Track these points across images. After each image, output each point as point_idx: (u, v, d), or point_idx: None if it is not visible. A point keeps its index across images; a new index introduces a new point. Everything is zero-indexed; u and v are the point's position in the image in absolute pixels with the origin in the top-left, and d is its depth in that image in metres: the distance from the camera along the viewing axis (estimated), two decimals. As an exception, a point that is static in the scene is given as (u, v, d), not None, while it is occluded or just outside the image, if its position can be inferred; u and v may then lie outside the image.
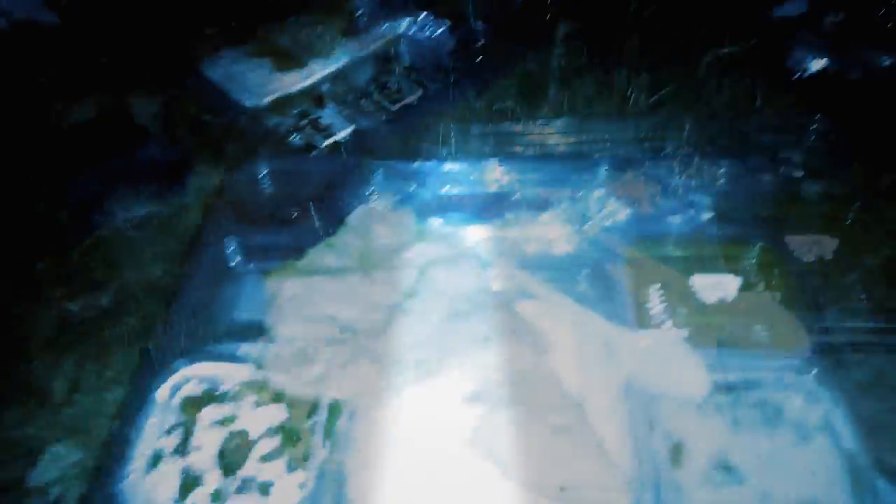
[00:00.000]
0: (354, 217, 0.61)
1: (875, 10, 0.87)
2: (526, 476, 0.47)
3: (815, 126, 0.77)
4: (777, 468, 0.49)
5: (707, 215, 0.66)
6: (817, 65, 0.84)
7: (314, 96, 0.86)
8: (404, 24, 0.94)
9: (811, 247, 0.64)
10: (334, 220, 0.62)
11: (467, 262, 0.58)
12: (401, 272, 0.57)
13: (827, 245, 0.64)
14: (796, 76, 0.85)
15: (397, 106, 0.81)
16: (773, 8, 0.90)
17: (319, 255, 0.58)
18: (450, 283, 0.56)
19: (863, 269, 0.63)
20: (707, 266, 0.61)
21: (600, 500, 0.45)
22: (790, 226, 0.66)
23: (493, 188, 0.70)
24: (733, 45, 0.87)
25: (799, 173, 0.71)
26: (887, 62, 0.84)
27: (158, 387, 0.53)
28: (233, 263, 0.64)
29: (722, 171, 0.69)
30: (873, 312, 0.61)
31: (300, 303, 0.54)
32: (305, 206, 0.67)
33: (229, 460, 0.50)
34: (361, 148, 0.78)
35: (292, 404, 0.52)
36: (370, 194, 0.68)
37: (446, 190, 0.70)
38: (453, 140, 0.77)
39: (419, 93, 0.83)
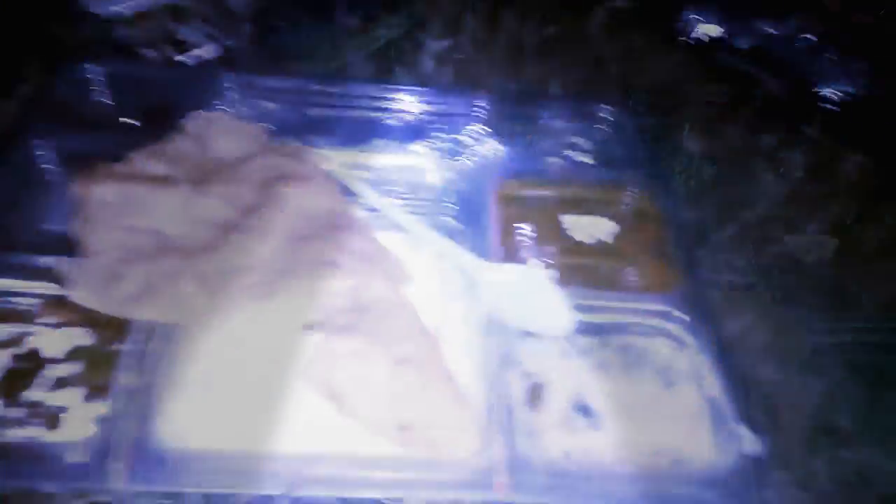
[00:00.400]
0: (194, 124, 0.53)
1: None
2: (363, 411, 0.41)
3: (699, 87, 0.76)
4: (639, 414, 0.46)
5: (586, 158, 0.62)
6: (705, 30, 0.83)
7: (174, 11, 0.77)
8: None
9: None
10: (169, 127, 0.54)
11: (322, 183, 0.51)
12: (241, 187, 0.49)
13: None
14: (682, 38, 0.84)
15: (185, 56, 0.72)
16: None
17: (145, 162, 0.49)
18: (298, 204, 0.49)
19: (740, 223, 0.62)
20: (582, 208, 0.58)
21: (447, 441, 0.41)
22: (670, 176, 0.65)
23: (364, 113, 0.64)
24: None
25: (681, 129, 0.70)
26: (775, 31, 0.84)
27: (-72, 300, 0.43)
28: (44, 169, 0.54)
29: (603, 115, 0.66)
30: (747, 269, 0.60)
31: (116, 213, 0.46)
32: (139, 115, 0.58)
33: (14, 385, 0.41)
34: (223, 64, 0.70)
35: (97, 325, 0.44)
36: (219, 107, 0.60)
37: (312, 111, 0.63)
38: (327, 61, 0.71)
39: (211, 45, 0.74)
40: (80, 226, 0.46)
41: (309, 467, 0.40)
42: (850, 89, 0.74)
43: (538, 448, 0.42)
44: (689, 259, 0.54)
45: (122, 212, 0.46)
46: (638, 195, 0.59)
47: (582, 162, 0.62)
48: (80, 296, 0.43)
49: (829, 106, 0.73)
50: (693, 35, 0.83)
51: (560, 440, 0.44)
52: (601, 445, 0.44)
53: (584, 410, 0.46)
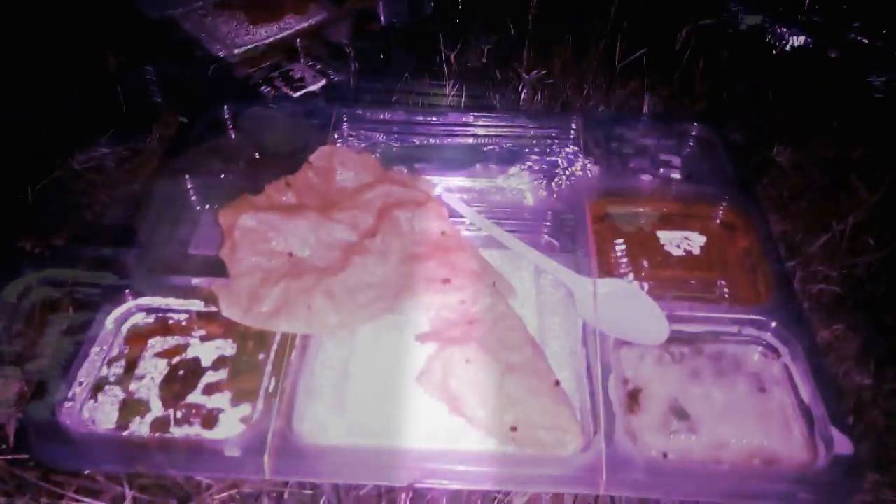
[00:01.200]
0: (316, 157, 0.59)
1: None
2: (476, 414, 0.45)
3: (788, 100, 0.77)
4: (732, 417, 0.48)
5: (676, 174, 0.65)
6: (796, 41, 0.84)
7: (287, 50, 0.85)
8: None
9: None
10: (296, 161, 0.61)
11: (432, 207, 0.57)
12: (361, 213, 0.55)
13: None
14: (775, 52, 0.85)
15: (298, 94, 0.79)
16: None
17: (277, 193, 0.56)
18: (412, 226, 0.55)
19: (832, 234, 0.63)
20: (673, 223, 0.61)
21: (552, 441, 0.44)
22: (759, 189, 0.66)
23: (464, 140, 0.69)
24: (710, 18, 0.86)
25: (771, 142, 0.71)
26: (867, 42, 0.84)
27: (105, 317, 0.51)
28: (190, 203, 0.62)
29: (693, 132, 0.68)
30: (839, 279, 0.61)
31: (256, 239, 0.53)
32: (267, 150, 0.66)
33: (174, 390, 0.48)
34: (332, 100, 0.77)
35: (241, 338, 0.51)
36: (336, 139, 0.67)
37: (416, 140, 0.69)
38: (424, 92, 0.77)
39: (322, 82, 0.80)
40: (226, 252, 0.52)
41: (428, 462, 0.44)
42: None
43: (637, 448, 0.45)
44: (780, 270, 0.56)
45: (261, 238, 0.53)
46: (728, 209, 0.61)
47: (673, 178, 0.65)
48: (228, 312, 0.50)
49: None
50: (782, 48, 0.84)
51: (657, 441, 0.47)
52: (697, 446, 0.47)
53: (679, 414, 0.48)
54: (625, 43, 0.82)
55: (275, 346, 0.49)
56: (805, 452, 0.46)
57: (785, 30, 0.86)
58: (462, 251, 0.54)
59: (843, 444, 0.44)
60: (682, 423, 0.48)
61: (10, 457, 0.48)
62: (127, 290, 0.52)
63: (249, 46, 0.83)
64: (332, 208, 0.56)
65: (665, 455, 0.46)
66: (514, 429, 0.45)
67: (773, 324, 0.52)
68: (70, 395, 0.47)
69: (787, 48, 0.85)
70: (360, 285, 0.51)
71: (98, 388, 0.49)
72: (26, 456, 0.47)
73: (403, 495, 0.45)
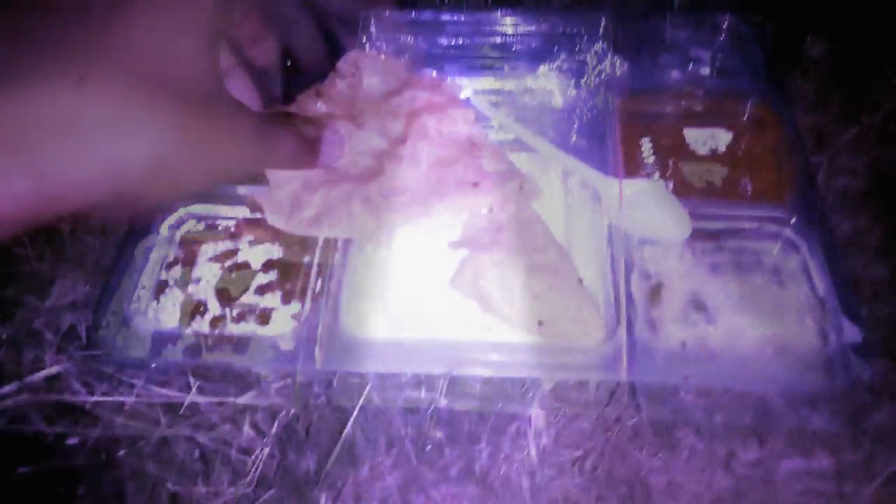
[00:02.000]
0: (344, 64, 0.61)
1: None
2: (506, 310, 0.49)
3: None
4: (749, 309, 0.51)
5: (706, 70, 0.65)
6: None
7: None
8: None
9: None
10: (324, 69, 0.62)
11: (459, 110, 0.58)
12: (390, 120, 0.57)
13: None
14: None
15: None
16: None
17: (309, 103, 0.58)
18: (439, 131, 0.57)
19: (861, 127, 0.63)
20: (700, 120, 0.62)
21: (577, 333, 0.48)
22: (790, 83, 0.66)
23: (491, 40, 0.69)
24: None
25: (803, 34, 0.70)
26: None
27: (160, 224, 0.55)
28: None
29: (724, 26, 0.67)
30: (864, 173, 0.62)
31: None
32: (294, 57, 0.66)
33: (228, 291, 0.52)
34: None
35: (287, 242, 0.55)
36: (362, 44, 0.67)
37: (442, 41, 0.69)
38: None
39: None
40: None
41: (463, 352, 0.48)
42: None
43: (657, 338, 0.49)
44: (804, 164, 0.57)
45: None
46: (757, 104, 0.61)
47: (703, 74, 0.65)
48: (272, 220, 0.53)
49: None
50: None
51: (677, 332, 0.50)
52: (714, 336, 0.50)
53: (699, 306, 0.52)
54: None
55: (318, 250, 0.53)
56: (816, 341, 0.49)
57: None
58: (489, 154, 0.56)
59: (852, 333, 0.47)
60: (700, 314, 0.51)
61: (84, 353, 0.53)
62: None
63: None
64: (361, 116, 0.57)
65: (683, 344, 0.50)
66: (541, 323, 0.49)
67: (793, 219, 0.53)
68: (135, 296, 0.52)
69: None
70: (394, 191, 0.53)
71: (160, 289, 0.53)
72: (99, 352, 0.52)
73: (440, 382, 0.50)
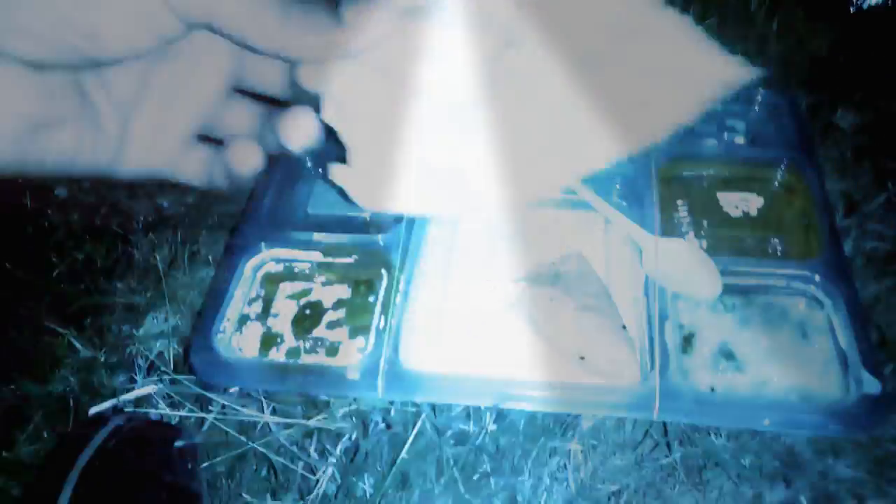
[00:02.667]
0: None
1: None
2: (554, 340, 0.55)
3: (857, 61, 0.80)
4: (776, 360, 0.55)
5: (740, 138, 0.71)
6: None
7: None
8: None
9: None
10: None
11: None
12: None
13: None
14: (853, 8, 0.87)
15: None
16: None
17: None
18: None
19: (890, 194, 0.67)
20: (734, 185, 0.67)
21: (613, 371, 0.53)
22: (821, 151, 0.71)
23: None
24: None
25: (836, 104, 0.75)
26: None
27: (244, 265, 0.62)
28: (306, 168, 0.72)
29: (760, 98, 0.73)
30: (893, 237, 0.66)
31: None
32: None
33: (302, 325, 0.59)
34: None
35: (354, 284, 0.61)
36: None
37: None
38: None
39: None
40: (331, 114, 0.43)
41: (510, 387, 0.53)
42: None
43: (688, 383, 0.53)
44: (833, 228, 0.62)
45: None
46: (788, 171, 0.66)
47: (736, 142, 0.70)
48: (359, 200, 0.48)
49: None
50: (856, 6, 0.86)
51: (707, 378, 0.55)
52: (741, 383, 0.54)
53: (728, 356, 0.56)
54: (698, 4, 0.85)
55: (381, 291, 0.59)
56: (838, 391, 0.53)
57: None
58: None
59: (871, 385, 0.51)
60: (729, 363, 0.56)
61: (173, 376, 0.60)
62: (262, 242, 0.63)
63: None
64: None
65: (712, 389, 0.54)
66: (582, 358, 0.54)
67: (818, 277, 0.58)
68: (221, 328, 0.58)
69: (864, 6, 0.87)
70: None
71: (242, 322, 0.60)
72: (187, 376, 0.59)
73: (488, 414, 0.55)
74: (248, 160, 0.33)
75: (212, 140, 0.34)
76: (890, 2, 0.85)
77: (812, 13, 0.86)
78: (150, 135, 0.32)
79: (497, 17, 0.32)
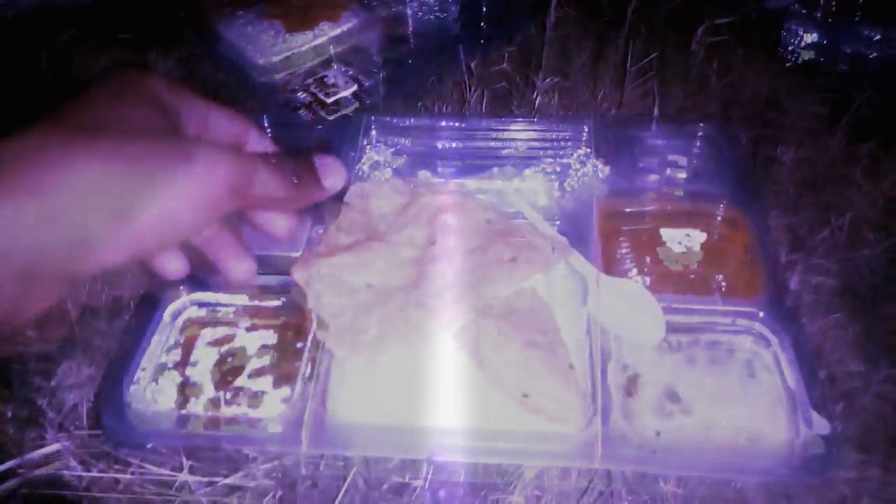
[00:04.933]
0: (350, 196, 0.64)
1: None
2: (498, 376, 0.52)
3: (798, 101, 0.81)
4: (723, 402, 0.53)
5: (683, 174, 0.70)
6: (806, 43, 0.87)
7: (321, 56, 0.91)
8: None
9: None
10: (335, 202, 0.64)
11: (469, 202, 0.63)
12: (413, 228, 0.61)
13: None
14: (790, 59, 0.88)
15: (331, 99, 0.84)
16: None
17: (333, 239, 0.61)
18: (460, 224, 0.61)
19: (832, 229, 0.67)
20: (677, 221, 0.66)
21: (557, 411, 0.50)
22: (765, 188, 0.70)
23: (485, 144, 0.74)
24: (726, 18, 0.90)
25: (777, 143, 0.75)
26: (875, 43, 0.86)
27: (163, 309, 0.58)
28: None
29: (701, 133, 0.72)
30: (837, 272, 0.65)
31: (333, 283, 0.57)
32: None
33: (224, 375, 0.55)
34: (363, 104, 0.83)
35: (282, 328, 0.57)
36: (365, 145, 0.72)
37: (439, 145, 0.74)
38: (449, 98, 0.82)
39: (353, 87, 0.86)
40: (314, 303, 0.56)
41: (447, 437, 0.50)
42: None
43: (632, 427, 0.51)
44: (777, 263, 0.60)
45: (339, 280, 0.57)
46: (731, 206, 0.65)
47: (679, 178, 0.69)
48: (339, 352, 0.54)
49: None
50: (794, 50, 0.87)
51: (652, 422, 0.52)
52: (688, 426, 0.52)
53: (673, 397, 0.54)
54: (640, 44, 0.86)
55: (311, 336, 0.56)
56: (787, 432, 0.51)
57: (799, 27, 0.88)
58: (513, 229, 0.61)
59: (821, 426, 0.49)
60: (675, 405, 0.53)
61: (85, 432, 0.55)
62: (182, 286, 0.59)
63: (286, 53, 0.89)
64: (385, 234, 0.61)
65: (658, 433, 0.51)
66: (525, 395, 0.51)
67: (763, 314, 0.56)
68: (135, 378, 0.54)
69: (802, 45, 0.88)
70: (444, 287, 0.56)
71: (158, 372, 0.56)
72: (99, 431, 0.54)
73: (425, 467, 0.52)
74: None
75: None
76: (822, 59, 0.86)
77: (750, 56, 0.87)
78: None
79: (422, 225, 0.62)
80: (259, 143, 0.41)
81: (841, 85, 0.83)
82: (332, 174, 0.40)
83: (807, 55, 0.87)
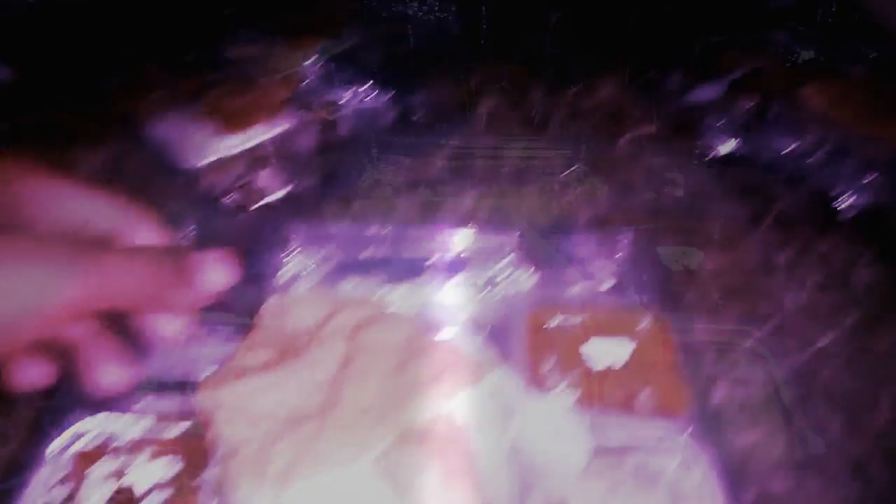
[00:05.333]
0: (265, 313, 0.61)
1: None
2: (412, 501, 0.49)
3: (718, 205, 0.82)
4: (652, 527, 0.51)
5: (608, 284, 0.69)
6: (724, 148, 0.90)
7: (253, 158, 0.89)
8: (348, 93, 0.98)
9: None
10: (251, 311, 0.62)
11: (390, 317, 0.60)
12: (331, 345, 0.58)
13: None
14: (709, 157, 0.91)
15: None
16: (687, 92, 0.96)
17: (245, 358, 0.57)
18: (382, 341, 0.58)
19: (755, 339, 0.67)
20: (601, 331, 0.65)
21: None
22: (685, 298, 0.70)
23: (412, 253, 0.73)
24: (650, 126, 0.92)
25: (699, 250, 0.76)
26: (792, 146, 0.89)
27: (51, 442, 0.53)
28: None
29: (625, 241, 0.73)
30: (764, 383, 0.64)
31: (242, 408, 0.54)
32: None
33: (115, 511, 0.50)
34: (290, 210, 0.81)
35: (186, 458, 0.53)
36: (289, 255, 0.70)
37: (365, 253, 0.73)
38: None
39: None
40: (218, 431, 0.52)
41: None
42: (865, 200, 0.79)
43: (557, 563, 0.48)
44: (702, 377, 0.60)
45: (247, 405, 0.54)
46: (654, 318, 0.65)
47: (604, 288, 0.69)
48: (245, 488, 0.49)
49: (845, 217, 0.78)
50: (713, 154, 0.90)
51: (579, 555, 0.49)
52: (616, 558, 0.49)
53: (599, 527, 0.51)
54: (567, 152, 0.87)
55: (213, 469, 0.52)
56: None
57: (719, 135, 0.91)
58: (435, 348, 0.57)
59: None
60: (602, 534, 0.50)
61: None
62: (76, 409, 0.55)
63: (218, 156, 0.87)
64: (301, 352, 0.58)
65: (584, 568, 0.48)
66: None
67: (689, 432, 0.55)
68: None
69: (721, 152, 0.91)
70: (361, 412, 0.53)
71: (38, 521, 0.50)
72: None
73: None
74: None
75: None
76: (738, 154, 0.89)
77: (673, 162, 0.89)
78: None
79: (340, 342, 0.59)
80: (148, 235, 0.39)
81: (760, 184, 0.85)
82: (213, 271, 0.37)
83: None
